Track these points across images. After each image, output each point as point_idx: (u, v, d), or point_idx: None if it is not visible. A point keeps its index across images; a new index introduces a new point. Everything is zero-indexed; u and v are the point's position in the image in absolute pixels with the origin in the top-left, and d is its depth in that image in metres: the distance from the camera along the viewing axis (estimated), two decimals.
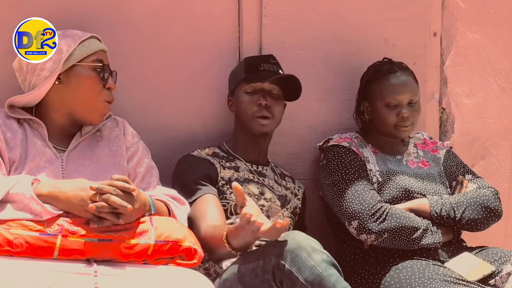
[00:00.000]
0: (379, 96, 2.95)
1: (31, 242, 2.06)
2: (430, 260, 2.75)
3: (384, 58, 3.06)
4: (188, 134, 2.99)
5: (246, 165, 2.85)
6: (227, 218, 2.69)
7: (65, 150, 2.44)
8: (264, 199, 2.79)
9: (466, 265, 2.74)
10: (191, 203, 2.61)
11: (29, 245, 2.06)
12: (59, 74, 2.40)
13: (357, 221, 2.76)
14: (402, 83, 2.95)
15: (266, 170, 2.91)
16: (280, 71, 2.86)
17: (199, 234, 2.47)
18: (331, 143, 2.99)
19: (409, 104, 2.95)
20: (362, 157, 2.93)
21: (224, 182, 2.75)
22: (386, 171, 2.93)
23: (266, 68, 2.84)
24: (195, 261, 2.22)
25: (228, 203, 2.71)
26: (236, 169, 2.82)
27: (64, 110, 2.44)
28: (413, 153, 3.07)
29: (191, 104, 3.03)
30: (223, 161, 2.82)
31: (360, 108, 3.06)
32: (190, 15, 2.99)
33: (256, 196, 2.78)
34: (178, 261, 2.20)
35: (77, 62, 2.41)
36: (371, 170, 2.91)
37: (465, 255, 2.81)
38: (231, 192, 2.72)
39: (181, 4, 2.98)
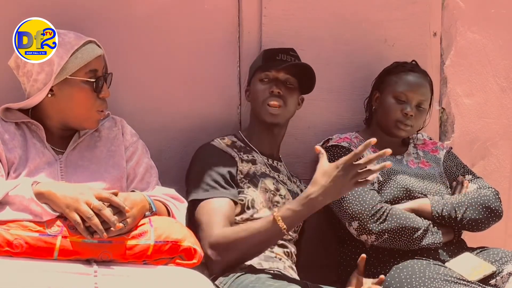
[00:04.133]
0: (392, 87, 2.98)
1: (31, 242, 2.06)
2: (431, 260, 2.75)
3: (412, 61, 3.08)
4: (188, 134, 2.99)
5: (261, 157, 2.85)
6: (243, 212, 2.69)
7: (63, 152, 2.43)
8: (279, 195, 2.79)
9: (467, 265, 2.74)
10: (204, 200, 2.61)
11: (29, 246, 2.06)
12: (52, 87, 2.37)
13: (357, 221, 2.76)
14: (418, 83, 2.99)
15: (280, 166, 2.92)
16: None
17: (214, 233, 2.49)
18: (330, 143, 2.99)
19: (417, 106, 2.96)
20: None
21: (242, 176, 2.74)
22: (387, 171, 2.93)
23: (284, 58, 2.84)
24: (195, 261, 2.22)
25: (245, 197, 2.71)
26: (253, 162, 2.82)
27: (58, 119, 2.43)
28: (413, 153, 3.07)
29: (191, 104, 3.02)
30: (241, 153, 2.81)
31: (371, 97, 3.08)
32: (190, 15, 2.99)
33: (272, 192, 2.78)
34: (178, 261, 2.20)
35: (70, 76, 2.37)
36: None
37: (466, 255, 2.81)
38: (249, 187, 2.73)
39: (181, 4, 2.98)
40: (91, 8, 2.82)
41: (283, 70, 2.81)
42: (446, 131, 3.45)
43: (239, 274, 2.51)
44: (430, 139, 3.20)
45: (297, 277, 2.69)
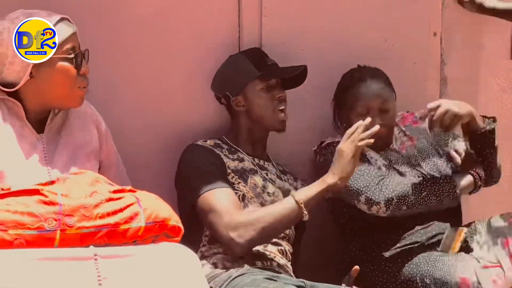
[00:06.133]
0: (350, 106, 2.94)
1: (30, 240, 2.05)
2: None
3: (358, 65, 3.05)
4: (188, 135, 2.99)
5: (248, 157, 2.86)
6: None
7: (41, 131, 2.42)
8: (267, 193, 2.80)
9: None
10: (209, 190, 2.64)
11: (29, 244, 2.05)
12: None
13: (364, 195, 2.76)
14: (373, 91, 2.93)
15: (268, 165, 2.92)
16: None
17: (235, 215, 2.59)
18: (326, 142, 2.98)
19: (381, 110, 2.92)
20: (372, 163, 2.92)
21: (230, 171, 2.76)
22: (388, 164, 2.92)
23: (272, 62, 2.89)
24: (178, 238, 2.22)
25: (236, 192, 2.72)
26: (241, 160, 2.83)
27: (38, 100, 2.40)
28: (397, 138, 3.05)
29: (191, 104, 3.03)
30: (226, 152, 2.83)
31: (335, 116, 3.05)
32: (190, 15, 3.00)
33: (261, 189, 2.79)
34: (163, 238, 2.20)
35: None
36: (376, 160, 2.91)
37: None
38: (239, 182, 2.75)
39: (181, 4, 2.98)
40: (90, 8, 2.82)
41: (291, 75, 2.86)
42: None
43: (235, 275, 2.52)
44: (407, 111, 3.17)
45: (292, 275, 2.69)
